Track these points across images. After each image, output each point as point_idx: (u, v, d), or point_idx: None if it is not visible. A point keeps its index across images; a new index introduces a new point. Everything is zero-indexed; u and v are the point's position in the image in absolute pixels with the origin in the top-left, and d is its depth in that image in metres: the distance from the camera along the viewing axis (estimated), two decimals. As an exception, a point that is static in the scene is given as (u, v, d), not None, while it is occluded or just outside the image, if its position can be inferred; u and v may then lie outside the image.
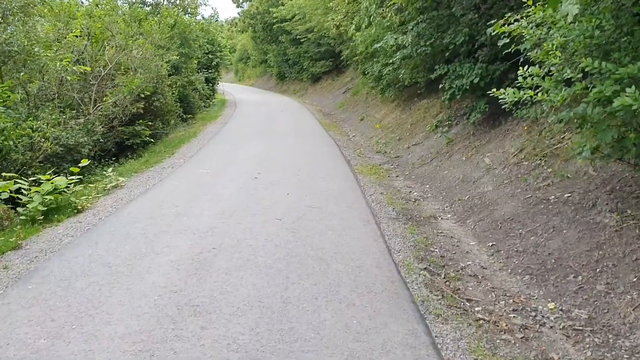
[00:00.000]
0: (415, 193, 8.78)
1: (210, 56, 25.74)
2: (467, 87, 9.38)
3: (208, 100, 24.86)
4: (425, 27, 9.94)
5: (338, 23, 18.98)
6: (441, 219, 7.28)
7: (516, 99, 4.55)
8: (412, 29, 10.11)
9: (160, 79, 14.62)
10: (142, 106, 13.32)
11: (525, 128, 8.46)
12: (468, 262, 5.51)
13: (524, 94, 4.53)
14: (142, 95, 13.34)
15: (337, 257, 5.23)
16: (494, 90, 4.97)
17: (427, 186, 9.15)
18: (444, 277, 4.99)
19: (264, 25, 37.43)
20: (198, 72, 23.81)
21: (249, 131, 15.83)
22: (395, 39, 10.31)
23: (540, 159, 7.32)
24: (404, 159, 11.62)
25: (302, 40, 31.44)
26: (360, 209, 7.19)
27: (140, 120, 13.20)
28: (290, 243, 5.63)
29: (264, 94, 36.37)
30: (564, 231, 5.49)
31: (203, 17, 24.86)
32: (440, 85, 9.93)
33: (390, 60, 11.61)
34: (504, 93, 4.77)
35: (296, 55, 33.88)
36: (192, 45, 19.72)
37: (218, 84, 28.43)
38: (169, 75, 17.80)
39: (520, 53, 6.02)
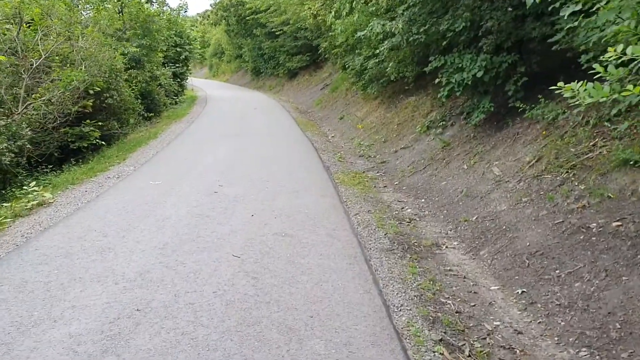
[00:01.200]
0: (409, 210, 7.25)
1: (178, 49, 23.85)
2: (469, 82, 7.89)
3: (175, 97, 23.02)
4: (418, 12, 8.41)
5: (315, 12, 17.37)
6: (446, 247, 5.77)
7: (600, 98, 2.94)
8: (402, 14, 8.57)
9: (114, 73, 12.83)
10: (91, 104, 11.54)
11: (542, 132, 6.99)
12: (495, 323, 3.99)
13: (612, 90, 2.90)
14: (91, 92, 11.56)
15: (315, 326, 3.65)
16: (561, 84, 3.34)
17: (423, 200, 7.64)
18: (469, 355, 3.46)
19: (238, 17, 35.59)
20: (164, 67, 21.97)
21: (216, 132, 14.14)
22: (383, 25, 8.76)
23: (567, 172, 5.85)
24: (392, 164, 10.10)
25: (277, 33, 29.75)
26: (344, 238, 5.62)
27: (88, 120, 11.41)
28: (248, 300, 4.03)
29: (237, 90, 34.57)
30: (624, 278, 4.01)
31: (170, 8, 22.99)
32: (437, 80, 8.39)
33: (377, 51, 10.03)
34: (575, 90, 3.11)
35: (272, 50, 32.18)
36: (156, 36, 17.89)
37: (187, 79, 26.56)
38: (128, 69, 15.99)
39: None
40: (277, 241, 5.36)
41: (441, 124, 9.96)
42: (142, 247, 5.11)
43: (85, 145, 11.33)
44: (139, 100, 16.58)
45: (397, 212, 7.07)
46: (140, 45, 16.48)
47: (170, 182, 8.14)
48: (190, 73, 26.96)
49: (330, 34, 16.36)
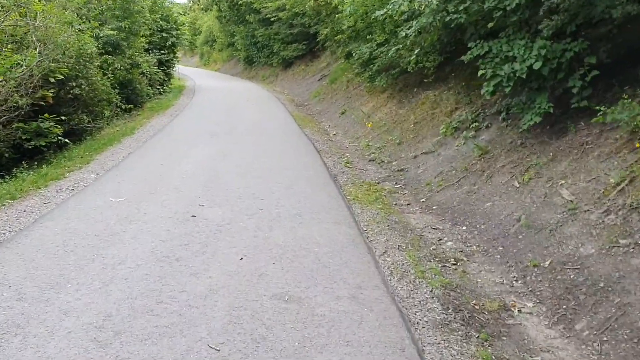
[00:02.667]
0: (449, 243, 5.51)
1: (164, 35, 21.85)
2: (522, 76, 6.12)
3: (161, 87, 21.07)
4: (456, -16, 6.62)
5: (317, -7, 15.51)
6: (519, 312, 4.03)
7: None
8: (435, -13, 6.77)
9: (82, 59, 10.93)
10: (52, 94, 9.66)
11: (627, 142, 5.25)
12: None
13: None
14: (52, 80, 9.69)
15: None
16: None
17: (464, 228, 5.89)
18: None
19: (230, 2, 33.53)
20: (148, 53, 20.00)
21: (202, 128, 12.28)
22: (410, 2, 6.93)
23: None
24: (412, 174, 8.34)
25: (272, 20, 27.81)
26: (377, 303, 3.85)
27: (47, 114, 9.53)
28: None
29: (229, 80, 32.60)
30: None
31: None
32: (480, 72, 6.59)
33: (402, 33, 8.15)
34: None
35: (265, 38, 30.21)
36: (138, 19, 15.92)
37: (174, 67, 24.58)
38: (104, 54, 14.07)
39: None
40: (277, 313, 3.57)
41: (473, 125, 8.19)
42: (66, 326, 3.30)
43: (43, 144, 9.45)
44: (117, 90, 14.66)
45: (434, 247, 5.32)
46: (118, 28, 14.53)
47: (136, 199, 6.33)
48: (178, 61, 24.97)
49: (334, 17, 14.50)
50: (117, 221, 5.47)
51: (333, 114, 16.35)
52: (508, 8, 6.13)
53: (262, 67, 34.11)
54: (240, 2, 31.41)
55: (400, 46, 9.53)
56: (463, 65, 9.24)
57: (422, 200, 7.10)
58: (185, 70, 40.46)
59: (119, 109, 14.64)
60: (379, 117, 12.30)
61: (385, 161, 9.41)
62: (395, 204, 6.97)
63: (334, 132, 13.49)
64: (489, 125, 7.96)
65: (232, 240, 4.96)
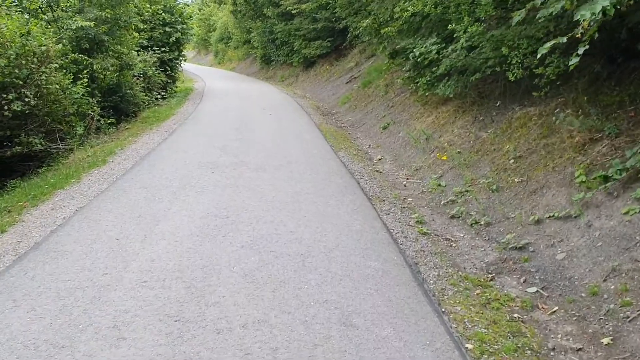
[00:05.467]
0: None
1: (167, 29, 18.52)
2: None
3: (163, 91, 17.79)
4: None
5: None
6: None
7: None
8: None
9: (28, 59, 7.65)
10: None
11: None
12: None
13: None
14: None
15: None
16: None
17: None
18: None
19: (247, -5, 30.19)
20: (146, 51, 16.71)
21: (200, 157, 8.85)
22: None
23: None
24: (547, 258, 4.86)
25: (293, 13, 24.41)
26: None
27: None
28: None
29: (243, 82, 29.24)
30: None
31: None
32: None
33: (519, 16, 4.59)
34: None
35: (285, 34, 26.82)
36: (128, 7, 12.58)
37: (179, 67, 21.26)
38: (78, 52, 10.79)
39: None
40: None
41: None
42: None
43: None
44: (96, 99, 11.38)
45: None
46: (98, 18, 11.20)
47: (55, 328, 2.98)
48: (184, 59, 21.65)
49: (381, 4, 11.02)
50: None
51: (371, 128, 12.93)
52: None
53: (281, 66, 30.77)
54: (258, -5, 28.15)
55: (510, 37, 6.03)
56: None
57: (604, 342, 3.60)
58: (197, 69, 37.32)
59: (99, 123, 11.33)
60: (447, 141, 8.80)
61: (482, 223, 5.91)
62: (554, 351, 3.50)
63: (379, 157, 10.06)
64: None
65: None
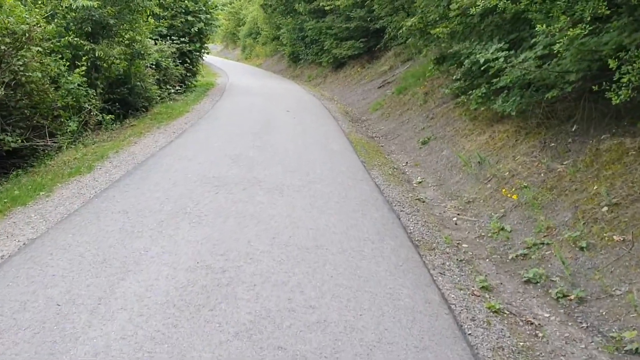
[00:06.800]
0: None
1: (189, 18, 17.10)
2: None
3: (180, 85, 16.37)
4: None
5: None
6: None
7: None
8: None
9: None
10: None
11: None
12: None
13: None
14: None
15: None
16: None
17: None
18: None
19: (278, -12, 28.71)
20: (165, 40, 15.32)
21: (206, 168, 7.31)
22: None
23: None
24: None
25: (326, 9, 22.85)
26: None
27: None
28: None
29: (269, 79, 27.77)
30: None
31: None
32: None
33: None
34: None
35: (316, 32, 25.30)
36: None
37: (202, 60, 19.84)
38: (88, 36, 9.41)
39: None
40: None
41: None
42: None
43: None
44: (100, 90, 9.98)
45: None
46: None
47: None
48: (207, 52, 20.23)
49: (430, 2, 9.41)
50: None
51: (408, 142, 11.31)
52: None
53: (309, 65, 29.27)
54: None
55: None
56: None
57: None
58: (223, 63, 36.07)
59: (101, 117, 9.93)
60: (508, 169, 7.13)
61: (573, 297, 4.27)
62: None
63: (419, 179, 8.44)
64: None
65: None
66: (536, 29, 5.52)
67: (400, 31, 12.83)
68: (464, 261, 5.10)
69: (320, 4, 22.92)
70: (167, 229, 4.73)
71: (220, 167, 7.25)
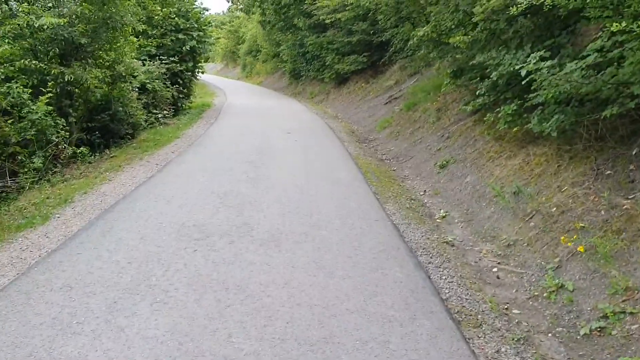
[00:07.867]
0: None
1: (180, 36, 15.97)
2: None
3: (173, 108, 15.19)
4: None
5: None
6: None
7: None
8: None
9: None
10: None
11: None
12: None
13: None
14: None
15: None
16: None
17: None
18: None
19: (276, 5, 27.64)
20: (154, 60, 14.16)
21: (189, 208, 6.03)
22: None
23: None
24: None
25: (327, 23, 21.74)
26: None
27: None
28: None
29: (269, 98, 26.63)
30: None
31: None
32: None
33: None
34: None
35: (317, 47, 24.23)
36: (123, 3, 9.90)
37: (196, 80, 18.68)
38: (53, 59, 8.23)
39: None
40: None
41: None
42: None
43: None
44: (73, 120, 8.77)
45: None
46: (75, 15, 8.58)
47: None
48: (201, 71, 19.08)
49: (444, 6, 8.19)
50: None
51: (423, 164, 10.05)
52: None
53: (311, 82, 28.18)
54: (289, 5, 25.54)
55: None
56: None
57: None
58: (222, 82, 35.11)
59: (72, 151, 8.71)
60: (556, 204, 5.81)
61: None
62: None
63: (443, 212, 7.16)
64: None
65: None
66: (605, 28, 4.23)
67: (410, 43, 11.60)
68: (520, 340, 3.78)
69: (320, 18, 21.84)
70: (118, 317, 3.44)
71: (204, 211, 5.96)
